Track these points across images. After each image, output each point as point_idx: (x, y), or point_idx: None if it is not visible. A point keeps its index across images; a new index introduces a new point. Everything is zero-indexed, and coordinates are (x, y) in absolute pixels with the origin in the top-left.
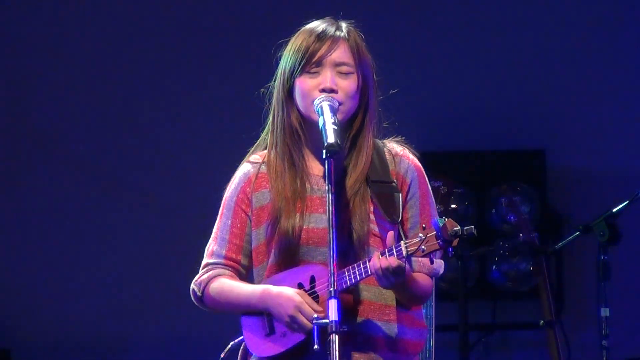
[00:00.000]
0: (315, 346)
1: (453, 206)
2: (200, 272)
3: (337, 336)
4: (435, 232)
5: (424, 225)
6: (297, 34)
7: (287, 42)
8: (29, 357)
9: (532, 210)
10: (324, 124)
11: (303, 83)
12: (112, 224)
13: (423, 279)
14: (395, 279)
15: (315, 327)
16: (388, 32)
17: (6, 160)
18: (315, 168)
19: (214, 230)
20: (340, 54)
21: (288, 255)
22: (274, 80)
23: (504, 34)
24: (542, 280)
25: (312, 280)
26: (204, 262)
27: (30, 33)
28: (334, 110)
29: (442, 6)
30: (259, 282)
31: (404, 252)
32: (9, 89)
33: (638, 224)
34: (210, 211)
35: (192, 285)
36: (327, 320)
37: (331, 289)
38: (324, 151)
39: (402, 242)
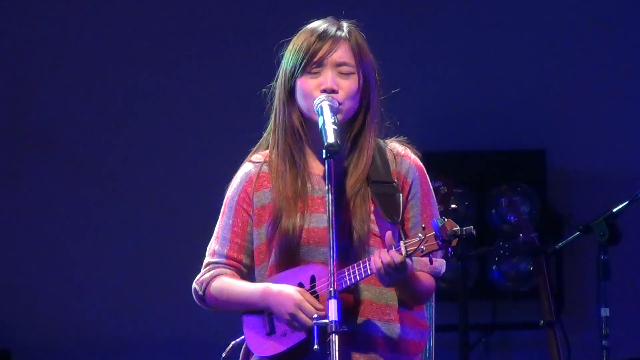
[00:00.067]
0: (315, 346)
1: (453, 206)
2: (202, 271)
3: (336, 336)
4: (434, 233)
5: (423, 225)
6: (298, 34)
7: (288, 42)
8: (29, 357)
9: (532, 210)
10: (323, 124)
11: (304, 83)
12: (112, 224)
13: (425, 278)
14: (398, 275)
15: (315, 327)
16: (388, 31)
17: (6, 160)
18: (317, 168)
19: (216, 229)
20: (341, 54)
21: (288, 254)
22: (276, 80)
23: (504, 34)
24: (542, 280)
25: (313, 280)
26: (205, 261)
27: (31, 33)
28: (333, 110)
29: (442, 6)
30: (260, 282)
31: (404, 252)
32: (9, 89)
33: (638, 224)
34: (212, 211)
35: (194, 285)
36: (326, 321)
37: (331, 289)
38: (324, 151)
39: (401, 242)
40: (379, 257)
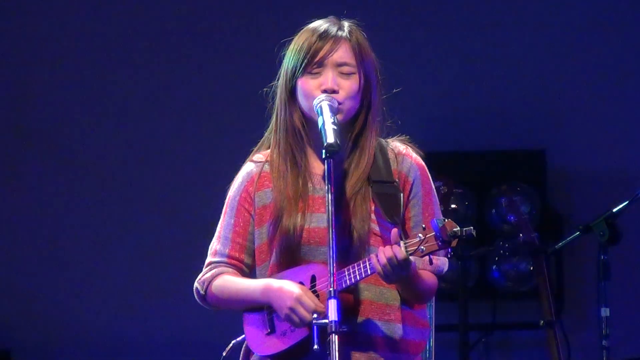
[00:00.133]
0: (315, 346)
1: (453, 206)
2: (204, 270)
3: (336, 336)
4: (434, 233)
5: (424, 225)
6: (299, 33)
7: (290, 41)
8: (29, 357)
9: (532, 210)
10: (323, 124)
11: (305, 83)
12: (112, 224)
13: (428, 276)
14: (400, 272)
15: (315, 327)
16: (388, 31)
17: (6, 160)
18: (318, 168)
19: (217, 229)
20: (342, 54)
21: (289, 254)
22: (277, 80)
23: (504, 34)
24: (542, 280)
25: (313, 279)
26: (207, 261)
27: (31, 33)
28: (333, 110)
29: (442, 6)
30: None
31: (404, 252)
32: (9, 89)
33: (638, 224)
34: (212, 211)
35: (196, 284)
36: (326, 321)
37: (330, 289)
38: (323, 151)
39: (401, 242)
40: (382, 254)
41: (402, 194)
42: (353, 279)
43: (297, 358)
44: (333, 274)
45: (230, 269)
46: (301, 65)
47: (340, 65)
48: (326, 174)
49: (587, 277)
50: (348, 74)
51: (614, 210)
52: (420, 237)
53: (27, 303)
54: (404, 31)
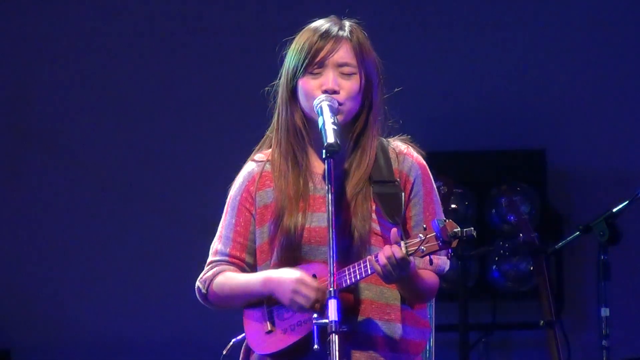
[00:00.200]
0: (315, 346)
1: (453, 206)
2: (205, 269)
3: (336, 336)
4: (435, 233)
5: (424, 226)
6: (300, 33)
7: (291, 41)
8: (29, 357)
9: (532, 210)
10: (323, 124)
11: (306, 84)
12: (112, 224)
13: (428, 276)
14: (399, 272)
15: (315, 327)
16: (388, 31)
17: (6, 159)
18: (319, 167)
19: (219, 229)
20: (343, 54)
21: (290, 253)
22: (279, 79)
23: (504, 34)
24: (542, 280)
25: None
26: (208, 260)
27: (31, 33)
28: (333, 110)
29: (443, 6)
30: None
31: (404, 252)
32: (9, 89)
33: (638, 224)
34: (213, 211)
35: (197, 283)
36: (326, 320)
37: (330, 288)
38: (324, 151)
39: (402, 242)
40: (382, 254)
41: (403, 194)
42: (353, 279)
43: (297, 357)
44: (333, 273)
45: (231, 267)
46: (302, 65)
47: (341, 65)
48: (326, 173)
49: (587, 277)
50: (349, 75)
51: (614, 210)
52: (420, 237)
53: (27, 303)
54: (404, 31)
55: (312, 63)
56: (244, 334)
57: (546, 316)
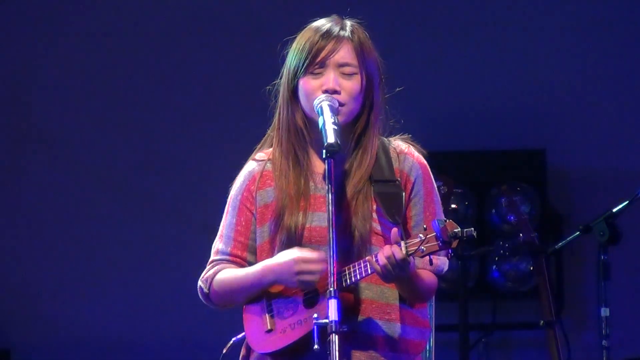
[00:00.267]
0: (315, 346)
1: (453, 206)
2: (206, 268)
3: (336, 336)
4: (435, 234)
5: (425, 226)
6: (302, 32)
7: (293, 40)
8: (29, 357)
9: (532, 210)
10: (323, 124)
11: (306, 84)
12: (112, 224)
13: (427, 276)
14: (399, 272)
15: (315, 326)
16: (388, 31)
17: (6, 159)
18: (320, 167)
19: (220, 228)
20: (344, 54)
21: None
22: (280, 78)
23: (504, 34)
24: (542, 280)
25: (312, 288)
26: (210, 260)
27: (31, 33)
28: (333, 110)
29: (443, 6)
30: None
31: (404, 252)
32: (9, 89)
33: (638, 224)
34: (213, 212)
35: (199, 283)
36: (327, 320)
37: (331, 288)
38: (324, 151)
39: (402, 242)
40: (382, 254)
41: (403, 193)
42: (353, 278)
43: (297, 356)
44: (333, 273)
45: (232, 266)
46: (303, 65)
47: (342, 65)
48: (326, 173)
49: (587, 277)
50: (350, 75)
51: (614, 210)
52: (421, 237)
53: (27, 303)
54: (404, 31)
55: (313, 63)
56: (244, 333)
57: (546, 316)
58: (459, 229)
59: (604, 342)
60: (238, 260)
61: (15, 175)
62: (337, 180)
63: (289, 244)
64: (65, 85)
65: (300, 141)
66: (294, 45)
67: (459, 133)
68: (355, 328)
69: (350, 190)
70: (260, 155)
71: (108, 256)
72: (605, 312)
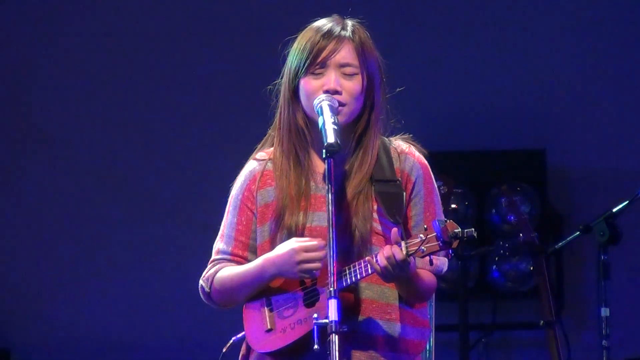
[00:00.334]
0: (316, 346)
1: (453, 206)
2: (207, 267)
3: (336, 336)
4: (435, 234)
5: (425, 226)
6: (303, 32)
7: (294, 39)
8: (29, 357)
9: (532, 210)
10: (323, 124)
11: (307, 84)
12: (112, 224)
13: (427, 276)
14: (399, 272)
15: (315, 326)
16: (389, 31)
17: (6, 160)
18: (321, 167)
19: (221, 228)
20: (345, 54)
21: None
22: (281, 78)
23: (504, 34)
24: (542, 280)
25: (314, 278)
26: (210, 259)
27: (32, 33)
28: (333, 110)
29: (444, 7)
30: None
31: (404, 252)
32: (9, 89)
33: (638, 224)
34: (214, 211)
35: (200, 282)
36: (327, 321)
37: (331, 288)
38: (324, 151)
39: (402, 242)
40: (382, 254)
41: (404, 193)
42: (354, 278)
43: (297, 355)
44: (333, 273)
45: (233, 265)
46: (304, 65)
47: (343, 66)
48: (326, 173)
49: (587, 277)
50: (351, 75)
51: (614, 210)
52: (421, 237)
53: (27, 303)
54: (404, 31)
55: (314, 63)
56: (243, 333)
57: (546, 316)
58: (460, 230)
59: (604, 342)
60: (239, 259)
61: (15, 175)
62: (338, 180)
63: None
64: (65, 85)
65: (301, 141)
66: (295, 45)
67: (459, 133)
68: (355, 328)
69: (350, 190)
70: (261, 154)
71: (108, 256)
72: (605, 312)
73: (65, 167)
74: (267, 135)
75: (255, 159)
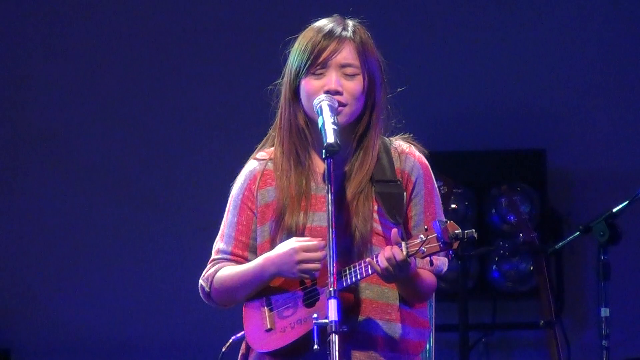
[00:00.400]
0: (315, 346)
1: (453, 206)
2: (207, 267)
3: (336, 336)
4: (436, 235)
5: (425, 227)
6: (304, 32)
7: (295, 39)
8: (29, 357)
9: (532, 210)
10: (323, 124)
11: (308, 84)
12: (112, 224)
13: (427, 276)
14: (399, 273)
15: (315, 327)
16: (389, 31)
17: (7, 160)
18: (321, 167)
19: (221, 227)
20: (346, 55)
21: None
22: (281, 78)
23: (504, 34)
24: (542, 280)
25: (314, 278)
26: (211, 258)
27: (32, 33)
28: (333, 110)
29: (444, 7)
30: None
31: (405, 253)
32: (9, 89)
33: (638, 224)
34: (214, 212)
35: (200, 281)
36: (326, 321)
37: (331, 288)
38: (323, 151)
39: (403, 243)
40: (382, 255)
41: (405, 193)
42: (354, 278)
43: (297, 355)
44: (333, 274)
45: (233, 264)
46: (305, 65)
47: (344, 66)
48: (326, 173)
49: (587, 277)
50: (352, 75)
51: (614, 210)
52: (422, 237)
53: (28, 303)
54: (405, 31)
55: (315, 63)
56: (243, 332)
57: (546, 316)
58: (460, 230)
59: (604, 342)
60: (239, 259)
61: (15, 175)
62: (338, 180)
63: None
64: (65, 85)
65: (301, 141)
66: (296, 45)
67: (459, 133)
68: (355, 328)
69: (351, 190)
70: (261, 154)
71: (108, 256)
72: (605, 312)
73: (65, 167)
74: (267, 135)
75: (255, 159)
